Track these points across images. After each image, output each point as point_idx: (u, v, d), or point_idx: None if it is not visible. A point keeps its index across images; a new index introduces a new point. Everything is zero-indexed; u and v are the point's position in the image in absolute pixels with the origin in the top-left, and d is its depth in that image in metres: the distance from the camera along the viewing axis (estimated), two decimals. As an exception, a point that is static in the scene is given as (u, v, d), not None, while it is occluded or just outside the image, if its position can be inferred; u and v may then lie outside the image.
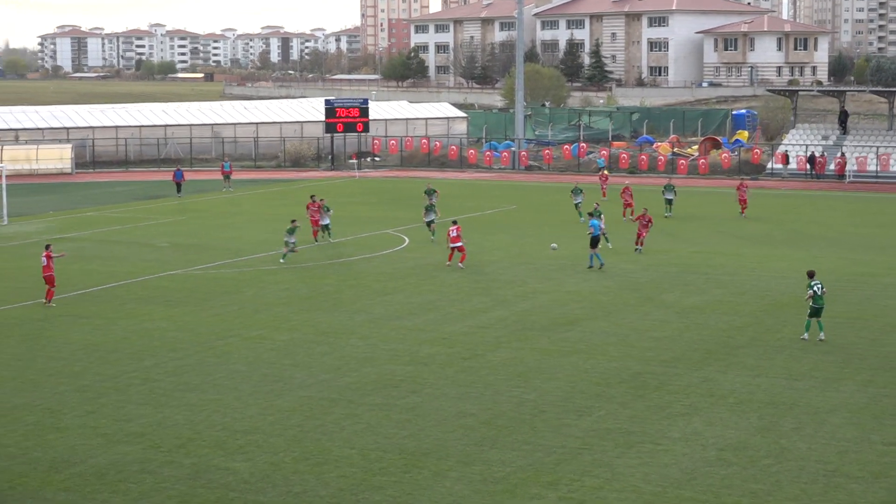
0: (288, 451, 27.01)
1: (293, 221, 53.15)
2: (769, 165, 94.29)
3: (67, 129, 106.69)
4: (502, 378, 33.14)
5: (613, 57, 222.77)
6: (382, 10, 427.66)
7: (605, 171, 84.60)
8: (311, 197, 59.31)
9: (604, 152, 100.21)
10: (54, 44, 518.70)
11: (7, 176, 71.25)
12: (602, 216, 52.77)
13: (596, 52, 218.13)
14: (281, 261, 51.80)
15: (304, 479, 25.21)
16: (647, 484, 24.87)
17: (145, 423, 29.06)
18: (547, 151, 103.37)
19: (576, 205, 65.55)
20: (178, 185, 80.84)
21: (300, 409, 30.20)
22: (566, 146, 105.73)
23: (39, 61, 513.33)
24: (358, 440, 27.72)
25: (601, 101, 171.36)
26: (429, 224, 57.34)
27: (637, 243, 54.14)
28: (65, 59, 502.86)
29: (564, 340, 37.64)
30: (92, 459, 26.45)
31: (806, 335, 37.31)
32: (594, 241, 50.29)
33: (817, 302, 36.94)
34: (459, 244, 50.20)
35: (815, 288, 36.92)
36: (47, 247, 43.87)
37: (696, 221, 66.22)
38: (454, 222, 51.20)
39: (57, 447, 27.32)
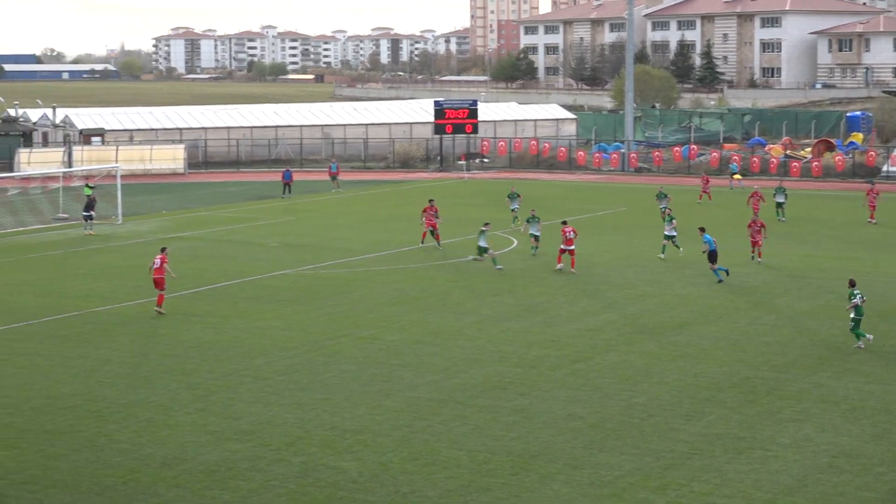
0: (396, 451, 27.10)
1: (486, 224, 51.61)
2: (885, 168, 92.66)
3: (180, 129, 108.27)
4: (611, 381, 32.96)
5: (725, 58, 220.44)
6: (492, 12, 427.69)
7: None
8: (430, 201, 57.78)
9: (714, 154, 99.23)
10: (168, 45, 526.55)
11: (122, 176, 72.44)
12: (674, 220, 52.80)
13: (707, 53, 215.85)
14: (470, 257, 52.26)
15: (412, 479, 25.27)
16: (757, 490, 24.56)
17: (255, 422, 29.32)
18: (657, 153, 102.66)
19: (663, 209, 64.23)
20: (287, 186, 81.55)
21: (408, 410, 30.29)
22: (676, 148, 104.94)
23: (154, 63, 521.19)
24: (466, 441, 27.72)
25: (712, 102, 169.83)
26: (536, 238, 53.88)
27: (753, 252, 52.06)
28: (178, 61, 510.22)
29: (674, 344, 37.33)
30: (202, 456, 26.75)
31: (861, 343, 36.62)
32: (712, 256, 47.84)
33: (859, 312, 36.24)
34: (573, 247, 49.80)
35: (858, 298, 36.18)
36: (163, 249, 43.72)
37: (809, 225, 65.30)
38: (565, 223, 50.89)
39: (168, 444, 27.67)
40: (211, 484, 25.03)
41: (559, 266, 50.01)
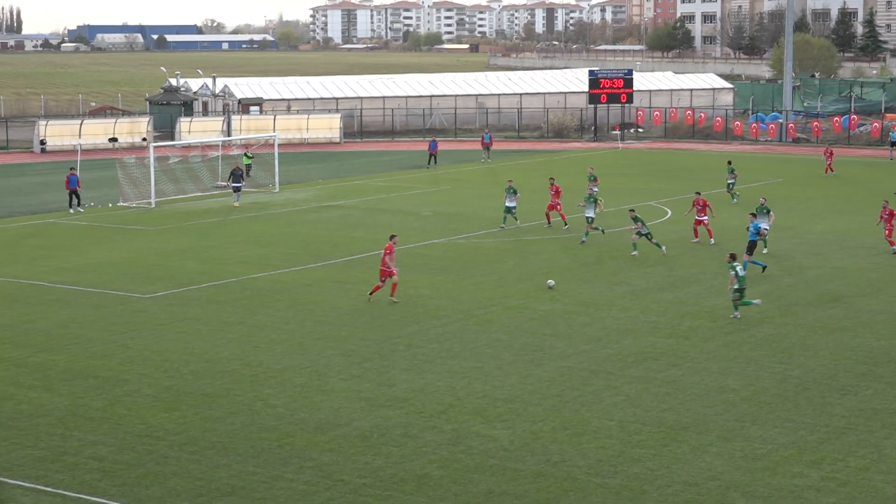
0: (547, 420, 27.17)
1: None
2: None
3: (337, 99, 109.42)
4: (765, 354, 32.62)
5: (888, 26, 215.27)
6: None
7: None
8: (550, 180, 56.19)
9: (875, 124, 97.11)
10: (325, 16, 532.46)
11: (279, 144, 73.56)
12: (771, 213, 48.02)
13: (869, 22, 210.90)
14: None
15: (562, 448, 25.31)
16: (915, 467, 24.15)
17: (408, 389, 29.64)
18: (816, 123, 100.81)
19: (729, 185, 62.72)
20: (433, 156, 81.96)
21: (559, 379, 30.34)
22: (836, 118, 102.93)
23: (311, 33, 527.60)
24: (617, 412, 27.71)
25: (874, 71, 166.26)
26: (588, 220, 50.49)
27: (892, 244, 47.87)
28: (335, 31, 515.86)
29: (830, 317, 36.78)
30: (356, 422, 27.10)
31: (738, 313, 36.58)
32: (751, 246, 43.76)
33: (741, 283, 36.18)
34: (705, 218, 49.30)
35: (738, 269, 36.24)
36: (391, 237, 40.68)
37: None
38: (698, 193, 50.40)
39: (323, 409, 28.09)
40: (364, 449, 25.33)
41: (696, 239, 49.57)
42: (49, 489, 23.16)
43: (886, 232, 47.95)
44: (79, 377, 30.80)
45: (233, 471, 24.13)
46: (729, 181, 63.00)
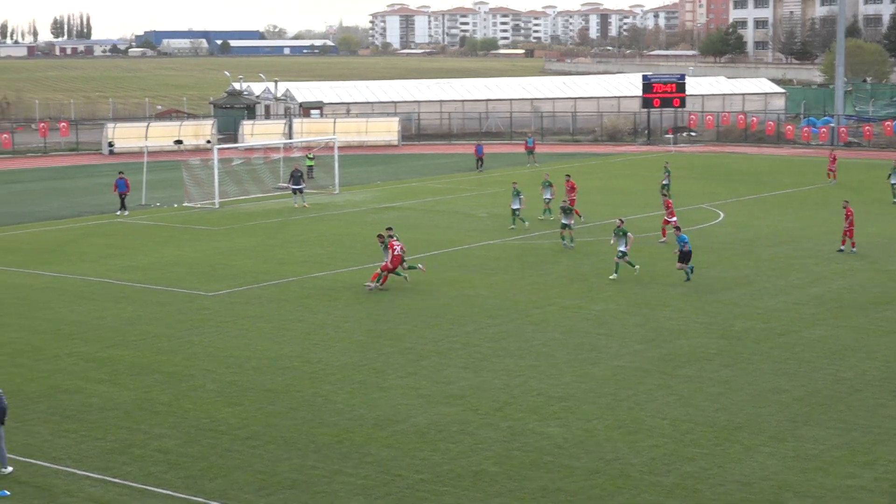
0: (601, 418, 27.47)
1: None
2: None
3: (395, 102, 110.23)
4: (818, 355, 32.82)
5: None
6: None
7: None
8: (567, 176, 58.39)
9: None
10: (384, 21, 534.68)
11: (339, 147, 74.27)
12: (629, 234, 44.29)
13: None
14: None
15: (616, 446, 25.57)
16: (966, 468, 24.29)
17: (465, 386, 30.01)
18: (867, 127, 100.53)
19: (664, 186, 61.61)
20: (480, 160, 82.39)
21: (613, 379, 30.68)
22: (888, 122, 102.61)
23: (370, 38, 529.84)
24: (670, 411, 27.96)
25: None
26: (564, 227, 50.05)
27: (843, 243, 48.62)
28: (393, 36, 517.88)
29: (883, 319, 36.92)
30: (413, 419, 27.49)
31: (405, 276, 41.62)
32: (685, 256, 42.92)
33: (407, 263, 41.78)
34: (674, 219, 50.08)
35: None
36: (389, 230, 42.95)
37: None
38: (665, 194, 51.59)
39: (381, 406, 28.50)
40: (421, 445, 25.68)
41: (663, 239, 50.74)
42: (116, 480, 23.69)
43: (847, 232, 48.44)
44: (145, 372, 31.50)
45: (294, 465, 24.53)
46: (664, 182, 62.63)
